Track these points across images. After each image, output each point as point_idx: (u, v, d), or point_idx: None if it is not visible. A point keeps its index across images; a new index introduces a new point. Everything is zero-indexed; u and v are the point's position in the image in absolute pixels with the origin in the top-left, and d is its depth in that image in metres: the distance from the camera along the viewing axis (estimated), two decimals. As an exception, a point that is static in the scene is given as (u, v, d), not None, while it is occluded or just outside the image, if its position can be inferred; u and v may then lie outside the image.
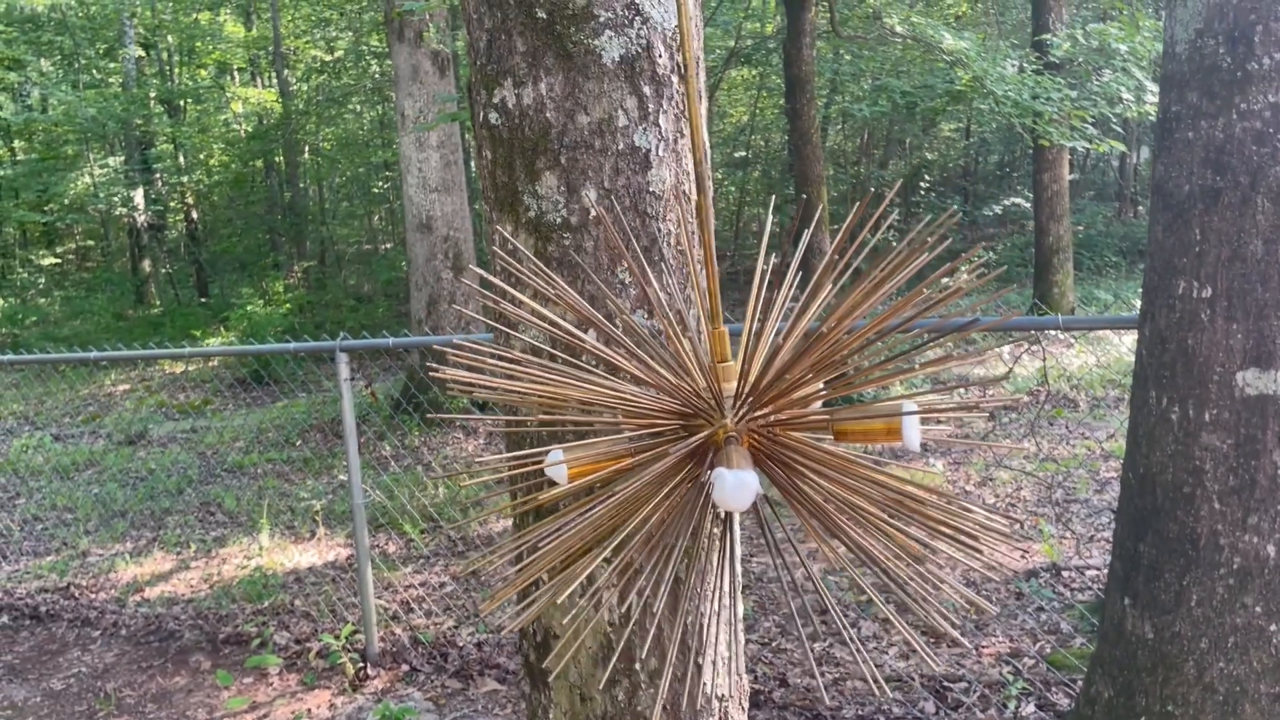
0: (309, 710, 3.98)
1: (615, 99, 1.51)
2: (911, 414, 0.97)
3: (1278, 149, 2.36)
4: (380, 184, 18.41)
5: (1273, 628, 2.47)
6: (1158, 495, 2.61)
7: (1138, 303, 2.78)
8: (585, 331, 1.42)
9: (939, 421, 1.13)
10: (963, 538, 0.99)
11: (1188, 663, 2.55)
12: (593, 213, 1.52)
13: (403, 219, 9.79)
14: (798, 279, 1.39)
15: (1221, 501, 2.49)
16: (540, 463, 1.24)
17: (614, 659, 1.64)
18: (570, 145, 1.52)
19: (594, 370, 1.33)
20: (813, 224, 6.90)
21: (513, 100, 1.54)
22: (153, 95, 18.29)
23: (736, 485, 0.97)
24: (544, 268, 1.50)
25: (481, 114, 1.60)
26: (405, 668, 4.25)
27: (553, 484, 1.41)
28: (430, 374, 1.29)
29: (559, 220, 1.55)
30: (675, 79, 1.56)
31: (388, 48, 10.20)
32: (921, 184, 17.48)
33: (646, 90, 1.53)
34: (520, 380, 1.25)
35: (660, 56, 1.53)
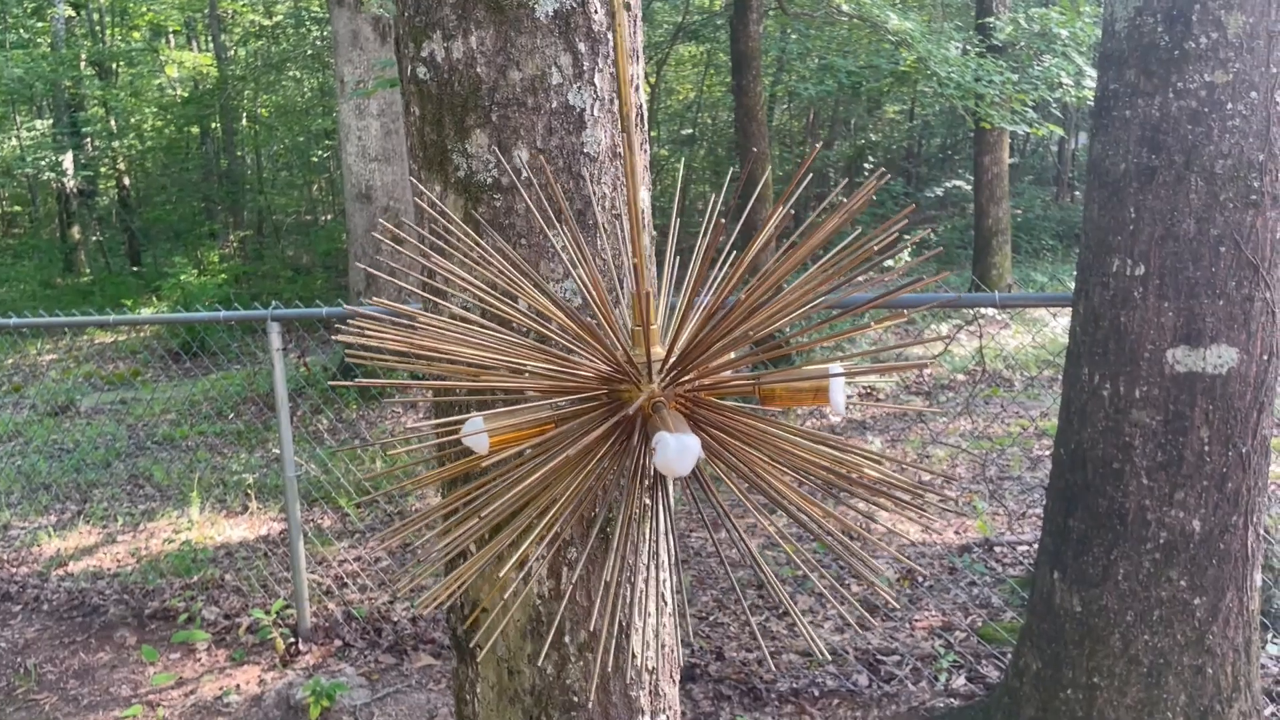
0: (237, 686, 3.90)
1: (549, 55, 1.47)
2: (838, 376, 0.95)
3: (1212, 128, 2.38)
4: (319, 153, 18.05)
5: (1196, 601, 2.52)
6: (1088, 471, 2.64)
7: (1071, 285, 2.81)
8: (515, 297, 1.38)
9: (876, 398, 1.12)
10: (900, 500, 0.98)
11: (1114, 635, 2.60)
12: (524, 174, 1.48)
13: (342, 189, 9.60)
14: (732, 251, 1.36)
15: (1149, 477, 2.52)
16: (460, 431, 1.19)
17: (543, 632, 1.60)
18: (501, 103, 1.47)
19: (520, 336, 1.29)
20: (753, 199, 6.89)
21: (441, 54, 1.48)
22: (83, 57, 17.69)
23: (680, 449, 0.93)
24: (472, 232, 1.45)
25: (409, 68, 1.54)
26: (338, 643, 4.18)
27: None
28: (346, 351, 1.24)
29: (489, 181, 1.50)
30: (611, 36, 1.51)
31: (327, 13, 9.97)
32: (866, 165, 17.59)
33: (581, 47, 1.48)
34: (445, 347, 1.20)
35: (596, 13, 1.49)
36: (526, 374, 1.07)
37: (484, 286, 1.17)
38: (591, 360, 1.08)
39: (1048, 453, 5.69)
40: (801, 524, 1.01)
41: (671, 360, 1.03)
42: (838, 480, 0.99)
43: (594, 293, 1.09)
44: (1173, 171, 2.44)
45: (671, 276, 1.41)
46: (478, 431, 1.02)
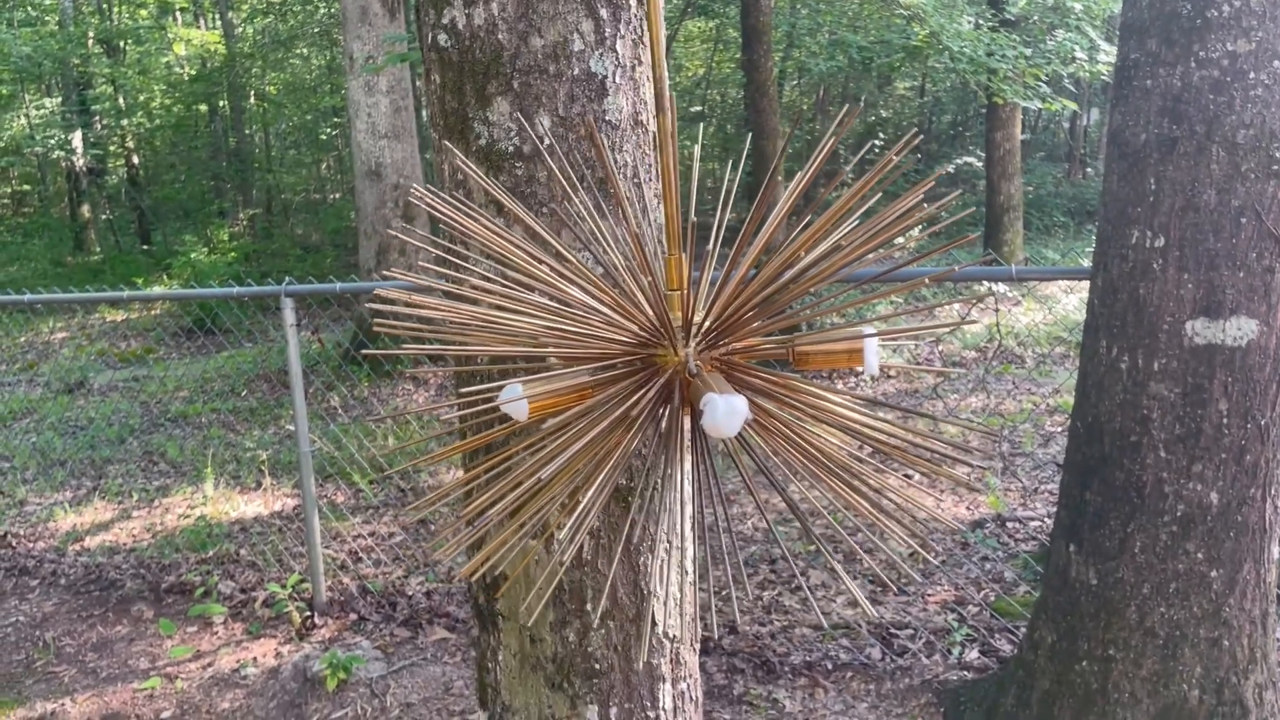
0: (254, 659, 3.93)
1: (571, 21, 1.46)
2: (871, 337, 0.95)
3: (1234, 98, 2.36)
4: (328, 130, 18.01)
5: (1213, 573, 2.52)
6: (1105, 443, 2.63)
7: (1085, 262, 2.79)
8: (539, 264, 1.37)
9: (889, 373, 1.11)
10: (943, 465, 0.98)
11: (1130, 608, 2.60)
12: (546, 141, 1.47)
13: (351, 166, 9.58)
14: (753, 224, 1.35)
15: (1167, 450, 2.51)
16: (493, 399, 1.19)
17: (565, 600, 1.61)
18: (523, 70, 1.46)
19: (549, 302, 1.29)
20: (769, 175, 6.86)
21: (463, 20, 1.47)
22: (91, 34, 17.65)
23: (729, 410, 0.92)
24: (499, 193, 1.44)
25: (430, 35, 1.53)
26: (353, 617, 4.21)
27: (504, 421, 1.37)
28: (376, 320, 1.24)
29: (511, 149, 1.49)
30: (633, 3, 1.50)
31: (336, -12, 9.92)
32: (876, 142, 17.49)
33: (603, 13, 1.47)
34: (479, 314, 1.20)
35: (618, -22, 1.47)
36: (563, 340, 1.06)
37: (514, 252, 1.17)
38: (626, 325, 1.08)
39: (1060, 429, 5.69)
40: (848, 486, 1.00)
41: (708, 324, 1.03)
42: (881, 441, 0.99)
43: (635, 257, 1.08)
44: (1194, 142, 2.42)
45: (692, 247, 1.41)
46: (516, 398, 1.02)
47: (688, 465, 1.30)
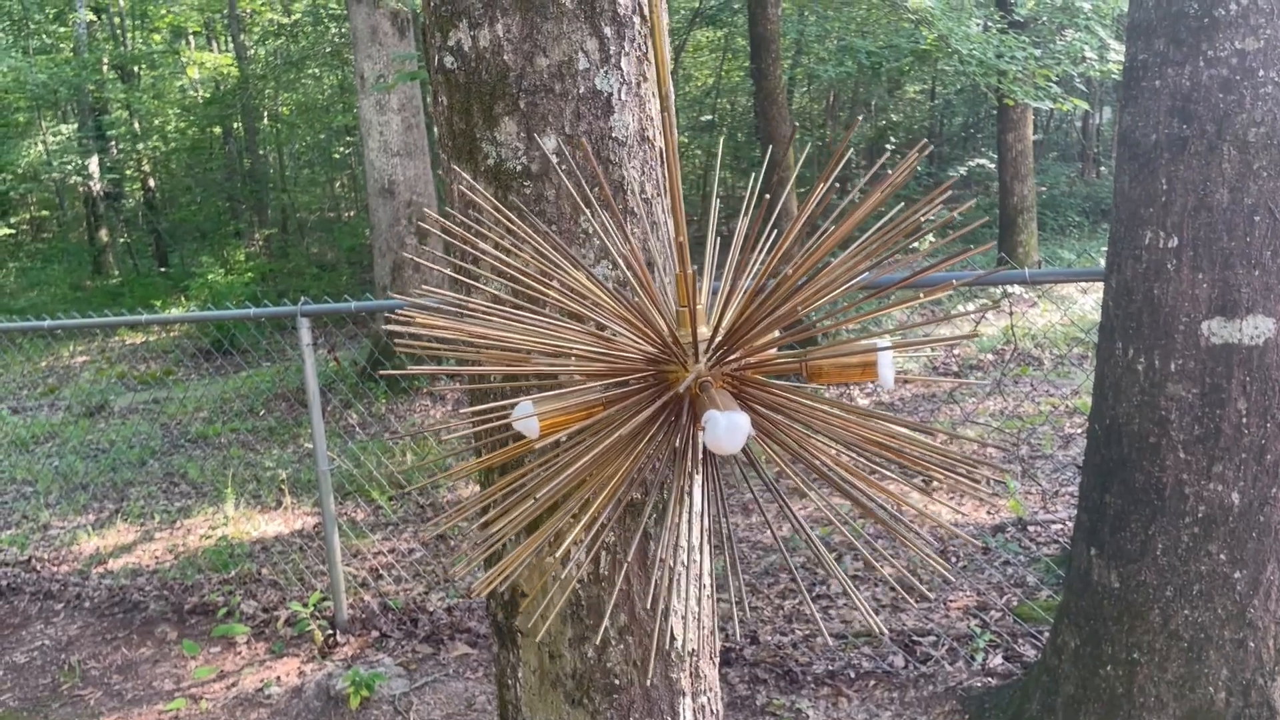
0: (278, 678, 3.95)
1: (575, 40, 1.47)
2: (885, 350, 0.95)
3: (1244, 96, 2.35)
4: (341, 149, 18.13)
5: (1236, 574, 2.50)
6: (1124, 446, 2.62)
7: (1100, 261, 2.78)
8: (549, 282, 1.38)
9: (905, 379, 1.11)
10: (953, 475, 0.97)
11: (1153, 610, 2.58)
12: (554, 160, 1.48)
13: (364, 185, 9.64)
14: (768, 234, 1.35)
15: (1187, 451, 2.50)
16: (507, 417, 1.20)
17: (583, 616, 1.61)
18: (529, 89, 1.47)
19: (559, 320, 1.30)
20: (782, 184, 6.86)
21: (468, 43, 1.48)
22: (105, 60, 17.84)
23: (730, 427, 0.93)
24: (506, 215, 1.45)
25: (436, 58, 1.54)
26: (375, 634, 4.22)
27: (519, 439, 1.37)
28: (394, 340, 1.25)
29: (519, 168, 1.50)
30: (637, 20, 1.51)
31: (345, 9, 10.00)
32: (888, 146, 17.46)
33: (607, 31, 1.48)
34: (492, 333, 1.20)
35: (621, -4, 1.48)
36: (574, 358, 1.07)
37: (525, 271, 1.18)
38: (637, 342, 1.08)
39: (1079, 431, 5.65)
40: (853, 500, 1.01)
41: (717, 340, 1.03)
42: (891, 455, 0.99)
43: (638, 274, 1.09)
44: (1205, 141, 2.41)
45: (713, 260, 1.41)
46: (528, 415, 1.03)
47: (700, 479, 1.30)
